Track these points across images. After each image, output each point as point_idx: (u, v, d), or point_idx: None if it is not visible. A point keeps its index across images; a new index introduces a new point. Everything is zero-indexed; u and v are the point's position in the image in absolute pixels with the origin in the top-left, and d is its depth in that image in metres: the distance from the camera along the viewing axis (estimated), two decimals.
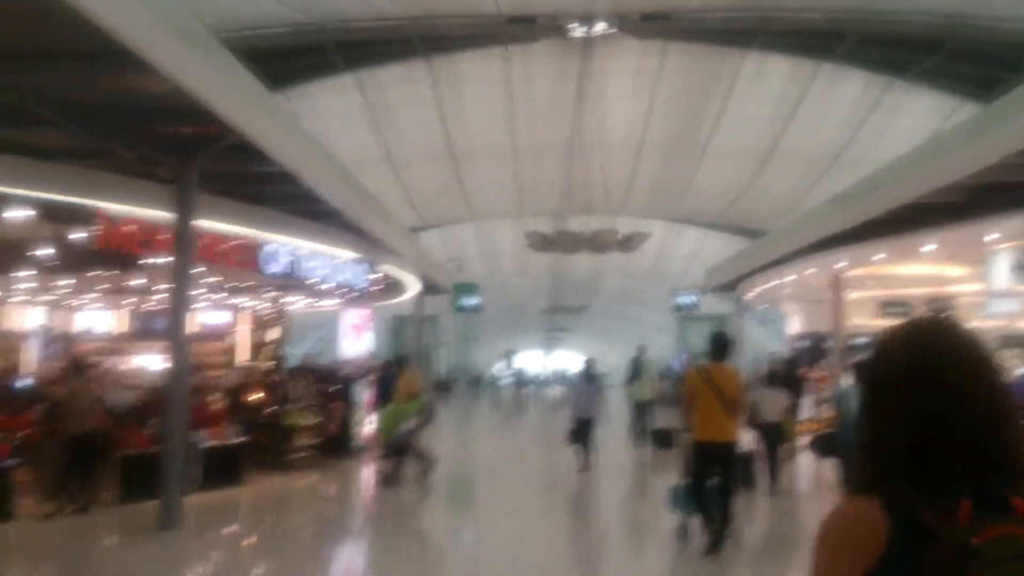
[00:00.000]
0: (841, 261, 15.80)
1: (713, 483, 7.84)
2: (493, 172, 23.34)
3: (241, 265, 11.94)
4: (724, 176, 23.17)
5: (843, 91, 18.65)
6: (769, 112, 19.86)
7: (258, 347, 22.06)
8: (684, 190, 24.63)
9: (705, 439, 7.76)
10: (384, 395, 14.69)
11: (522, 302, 44.92)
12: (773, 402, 11.26)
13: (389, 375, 15.18)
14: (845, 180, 17.16)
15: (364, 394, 15.86)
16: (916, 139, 15.03)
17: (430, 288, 25.29)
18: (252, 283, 15.92)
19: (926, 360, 1.45)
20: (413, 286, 22.53)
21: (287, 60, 15.99)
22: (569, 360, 62.18)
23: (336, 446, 14.63)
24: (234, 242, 11.60)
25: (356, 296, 17.56)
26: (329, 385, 15.29)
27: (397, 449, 11.97)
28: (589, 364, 14.50)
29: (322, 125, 18.13)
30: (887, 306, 20.77)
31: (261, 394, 13.85)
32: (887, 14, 15.64)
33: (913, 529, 1.33)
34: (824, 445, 10.15)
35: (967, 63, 16.65)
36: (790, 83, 18.60)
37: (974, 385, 1.42)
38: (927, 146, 13.34)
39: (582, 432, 13.37)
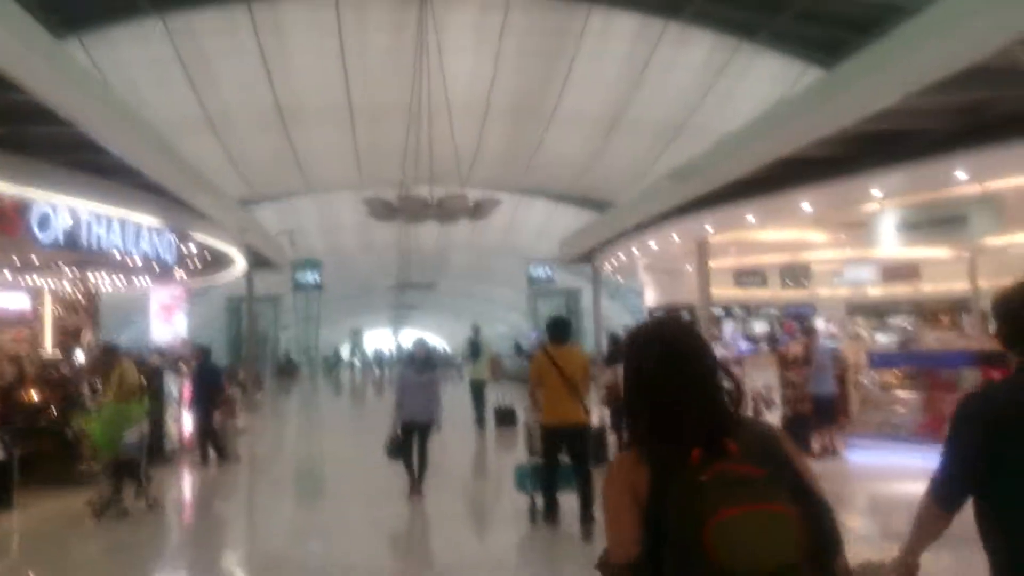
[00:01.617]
0: (707, 225, 14.87)
1: (566, 464, 7.80)
2: (328, 137, 21.63)
3: (2, 230, 9.82)
4: (572, 144, 22.33)
5: (691, 54, 18.10)
6: (616, 75, 19.12)
7: (65, 334, 19.57)
8: (532, 158, 23.66)
9: (552, 422, 7.71)
10: (201, 389, 12.93)
11: (368, 279, 43.17)
12: (617, 379, 10.96)
13: (207, 365, 13.38)
14: (691, 150, 16.56)
15: (176, 386, 13.73)
16: (762, 106, 14.43)
17: (260, 263, 23.31)
18: (33, 255, 13.62)
19: (665, 351, 2.03)
20: (239, 261, 20.47)
21: None
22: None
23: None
24: None
25: (165, 272, 15.51)
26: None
27: (121, 467, 9.19)
28: (419, 346, 10.32)
29: (126, 78, 16.07)
30: (742, 276, 20.57)
31: (39, 393, 11.43)
32: None
33: (664, 472, 1.89)
34: None
35: (815, 24, 16.34)
36: (637, 43, 17.87)
37: (699, 368, 2.01)
38: (784, 106, 12.67)
39: (408, 443, 9.50)
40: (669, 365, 1.99)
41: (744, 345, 20.20)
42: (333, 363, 43.95)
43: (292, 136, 21.16)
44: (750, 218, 13.78)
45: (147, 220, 13.12)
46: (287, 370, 40.97)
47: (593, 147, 22.52)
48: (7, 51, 7.66)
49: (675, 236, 15.87)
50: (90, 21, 14.69)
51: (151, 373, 12.74)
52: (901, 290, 21.86)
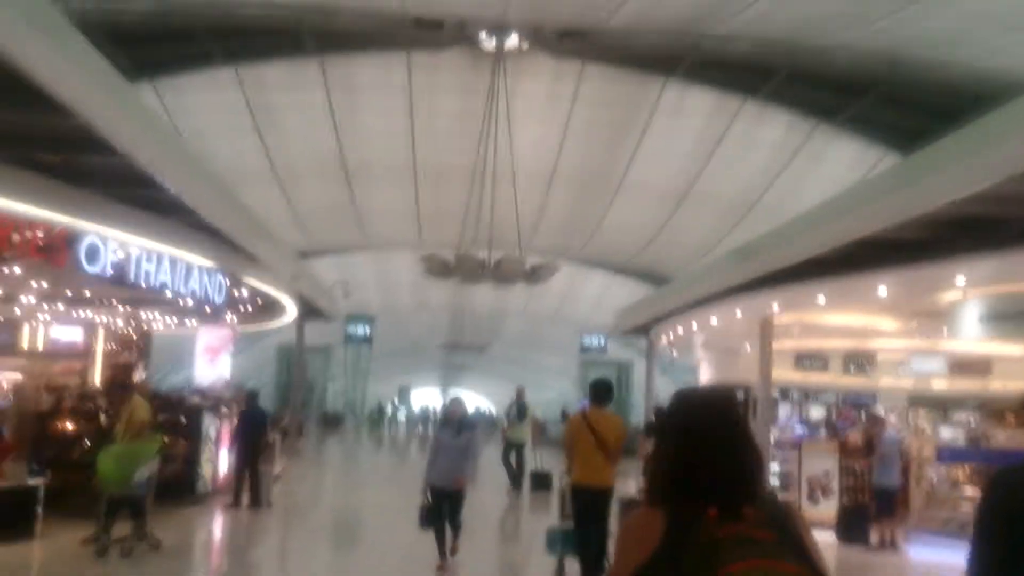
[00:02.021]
0: (774, 303, 14.17)
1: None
2: (391, 195, 21.53)
3: (49, 259, 9.63)
4: (637, 216, 21.88)
5: (766, 132, 17.60)
6: (687, 150, 18.70)
7: (115, 369, 19.54)
8: (595, 229, 23.26)
9: (581, 482, 7.99)
10: (244, 432, 12.95)
11: (420, 338, 42.92)
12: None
13: (254, 409, 13.38)
14: (759, 229, 16.01)
15: (215, 427, 13.64)
16: (835, 189, 13.85)
17: (311, 312, 23.11)
18: (86, 290, 13.54)
19: (695, 420, 2.20)
20: (290, 308, 20.27)
21: (151, 46, 14.01)
22: (471, 399, 60.53)
23: (178, 489, 12.37)
24: (36, 228, 9.28)
25: (215, 313, 15.37)
26: (172, 415, 12.97)
27: (120, 504, 8.87)
28: (455, 404, 9.62)
29: (196, 125, 16.15)
30: (802, 358, 19.67)
31: (73, 424, 11.30)
32: (819, 50, 14.55)
33: (680, 527, 2.00)
34: None
35: (896, 110, 15.78)
36: (712, 119, 17.46)
37: (726, 437, 2.15)
38: (867, 185, 12.08)
39: (440, 511, 8.79)
40: (713, 428, 2.16)
41: (799, 429, 19.32)
42: (376, 417, 43.46)
43: (355, 192, 21.08)
44: (821, 299, 13.00)
45: (198, 260, 12.95)
46: (331, 421, 40.70)
47: (658, 221, 22.03)
48: (61, 73, 7.53)
49: (739, 312, 15.20)
50: (163, 67, 14.76)
51: (189, 412, 12.70)
52: (968, 385, 20.86)
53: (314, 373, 38.92)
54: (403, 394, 50.76)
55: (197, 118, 16.30)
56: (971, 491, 11.56)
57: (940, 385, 22.65)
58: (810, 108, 16.71)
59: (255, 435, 12.93)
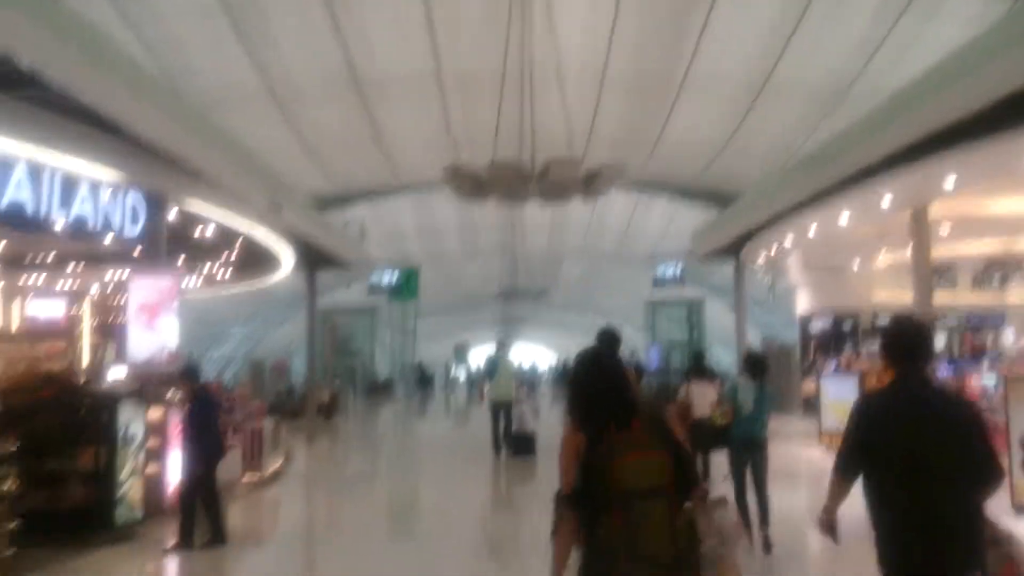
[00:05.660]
0: (949, 176, 10.42)
1: None
2: (415, 115, 18.55)
3: None
4: (706, 118, 18.55)
5: None
6: (763, 27, 15.29)
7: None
8: (656, 141, 19.96)
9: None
10: (199, 425, 8.87)
11: (473, 290, 40.16)
12: (701, 397, 10.62)
13: (201, 395, 9.12)
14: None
15: (141, 423, 9.59)
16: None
17: (318, 260, 19.99)
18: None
19: (597, 369, 3.59)
20: (283, 254, 16.91)
21: None
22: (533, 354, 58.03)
23: (83, 522, 8.73)
24: None
25: (124, 251, 12.10)
26: (60, 414, 9.10)
27: None
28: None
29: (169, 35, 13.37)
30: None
31: None
32: None
33: (593, 438, 3.40)
34: (709, 438, 9.06)
35: None
36: None
37: (611, 379, 3.53)
38: None
39: None
40: (598, 378, 3.55)
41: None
42: (421, 381, 39.92)
43: (373, 115, 18.13)
44: None
45: (85, 168, 9.87)
46: (379, 388, 38.06)
47: (731, 123, 18.66)
48: None
49: (887, 199, 11.63)
50: None
51: (100, 404, 9.17)
52: None
53: (359, 337, 36.47)
54: (460, 353, 48.16)
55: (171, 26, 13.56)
56: None
57: None
58: None
59: (205, 435, 8.93)
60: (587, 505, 3.29)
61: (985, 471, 3.48)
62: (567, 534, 3.37)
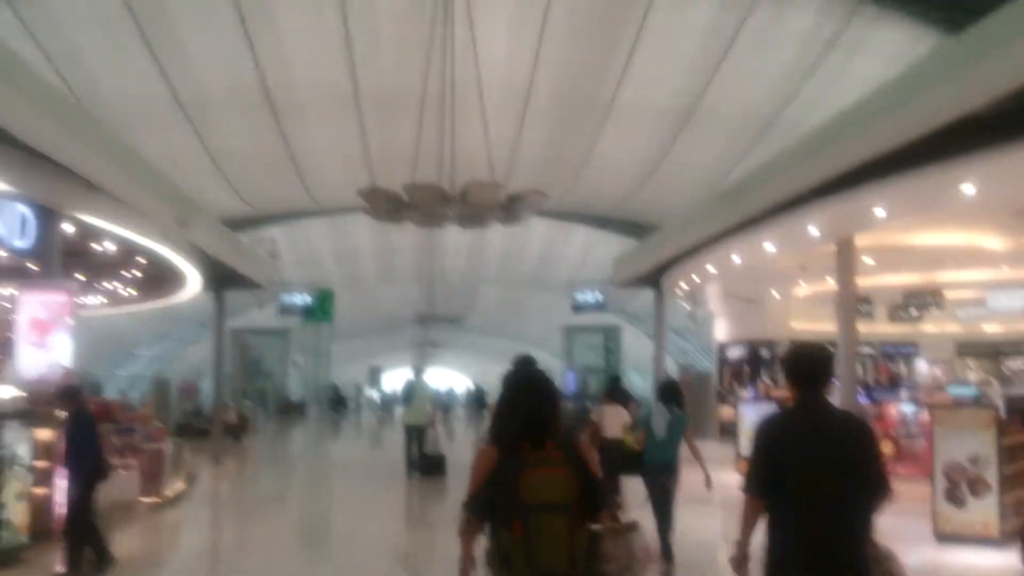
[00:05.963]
0: (877, 207, 10.28)
1: None
2: (330, 135, 17.83)
3: None
4: (630, 146, 18.33)
5: (791, 23, 14.13)
6: (692, 54, 15.13)
7: None
8: (579, 166, 19.64)
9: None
10: (80, 445, 8.06)
11: (389, 313, 39.33)
12: (614, 418, 10.43)
13: (81, 414, 8.27)
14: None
15: (27, 444, 8.81)
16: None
17: (227, 280, 19.10)
18: None
19: (521, 385, 3.68)
20: (186, 271, 15.89)
21: None
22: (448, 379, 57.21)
23: None
24: None
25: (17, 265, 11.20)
26: None
27: None
28: None
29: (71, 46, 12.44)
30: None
31: None
32: None
33: (505, 454, 3.44)
34: (620, 459, 9.17)
35: None
36: (722, 11, 13.95)
37: (531, 400, 3.56)
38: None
39: None
40: (527, 395, 3.60)
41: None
42: (335, 402, 38.33)
43: (286, 133, 17.32)
44: (967, 189, 9.24)
45: None
46: (290, 410, 36.76)
47: (655, 152, 18.48)
48: None
49: (814, 230, 11.49)
50: None
51: None
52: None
53: (272, 358, 35.30)
54: (374, 376, 47.01)
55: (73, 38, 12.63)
56: None
57: (991, 329, 19.83)
58: None
59: (83, 456, 8.16)
60: (487, 513, 3.43)
61: (875, 488, 3.55)
62: (470, 534, 3.53)
